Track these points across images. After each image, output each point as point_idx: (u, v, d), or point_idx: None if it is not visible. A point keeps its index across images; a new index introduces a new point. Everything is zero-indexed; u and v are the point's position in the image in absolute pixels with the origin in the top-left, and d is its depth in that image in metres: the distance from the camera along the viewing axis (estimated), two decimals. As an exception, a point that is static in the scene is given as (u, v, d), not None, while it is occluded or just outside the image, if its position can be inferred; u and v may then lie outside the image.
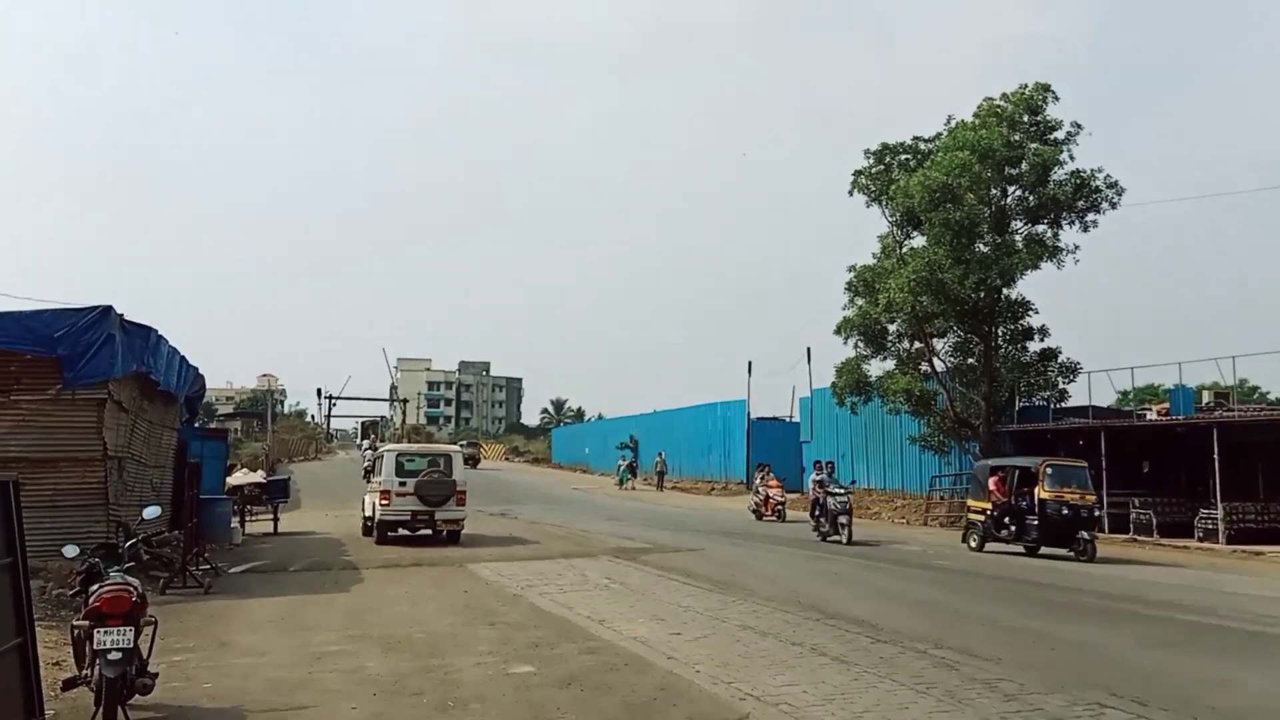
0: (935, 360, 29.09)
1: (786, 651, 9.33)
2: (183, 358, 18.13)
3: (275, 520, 23.38)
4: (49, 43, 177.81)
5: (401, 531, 20.14)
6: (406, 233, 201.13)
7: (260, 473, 28.05)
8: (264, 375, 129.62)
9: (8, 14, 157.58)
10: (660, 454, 45.89)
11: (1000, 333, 28.36)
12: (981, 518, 20.40)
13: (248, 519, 22.94)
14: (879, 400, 31.31)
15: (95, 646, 6.34)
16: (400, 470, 20.20)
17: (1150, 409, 30.20)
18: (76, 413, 13.71)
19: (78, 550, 7.48)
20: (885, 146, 29.41)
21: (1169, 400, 28.70)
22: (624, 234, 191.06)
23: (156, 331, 15.67)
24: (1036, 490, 19.26)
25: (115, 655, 6.29)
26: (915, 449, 31.95)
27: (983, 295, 26.63)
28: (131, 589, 6.62)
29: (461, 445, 46.92)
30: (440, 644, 9.71)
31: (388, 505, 19.84)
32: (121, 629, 6.36)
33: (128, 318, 14.48)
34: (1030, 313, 28.22)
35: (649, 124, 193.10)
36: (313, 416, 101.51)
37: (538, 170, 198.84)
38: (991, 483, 20.35)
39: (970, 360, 29.34)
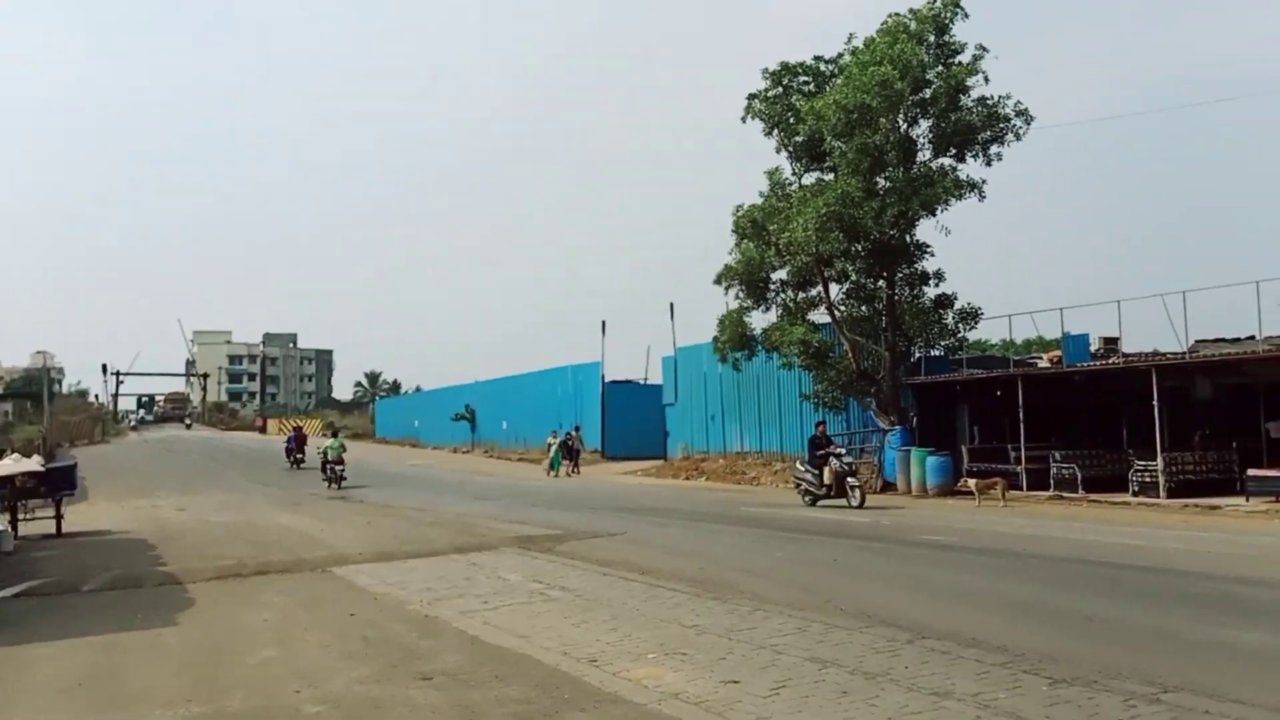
0: (833, 309, 26.48)
1: (944, 712, 5.80)
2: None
3: (59, 519, 18.40)
4: None
5: None
6: (201, 200, 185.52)
7: (36, 459, 22.45)
8: (38, 352, 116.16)
9: None
10: (576, 428, 38.54)
11: (899, 278, 26.03)
12: None
13: (21, 518, 17.94)
14: (762, 356, 28.94)
15: None
16: None
17: (1042, 357, 28.95)
18: None
19: None
20: (785, 66, 26.08)
21: (1061, 348, 27.21)
22: (449, 188, 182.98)
23: None
24: None
25: None
26: (797, 408, 29.56)
27: (895, 233, 24.10)
28: None
29: None
30: (360, 727, 5.89)
31: None
32: None
33: None
34: (927, 255, 26.05)
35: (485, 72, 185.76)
36: (97, 396, 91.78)
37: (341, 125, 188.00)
38: None
39: (864, 308, 27.04)
